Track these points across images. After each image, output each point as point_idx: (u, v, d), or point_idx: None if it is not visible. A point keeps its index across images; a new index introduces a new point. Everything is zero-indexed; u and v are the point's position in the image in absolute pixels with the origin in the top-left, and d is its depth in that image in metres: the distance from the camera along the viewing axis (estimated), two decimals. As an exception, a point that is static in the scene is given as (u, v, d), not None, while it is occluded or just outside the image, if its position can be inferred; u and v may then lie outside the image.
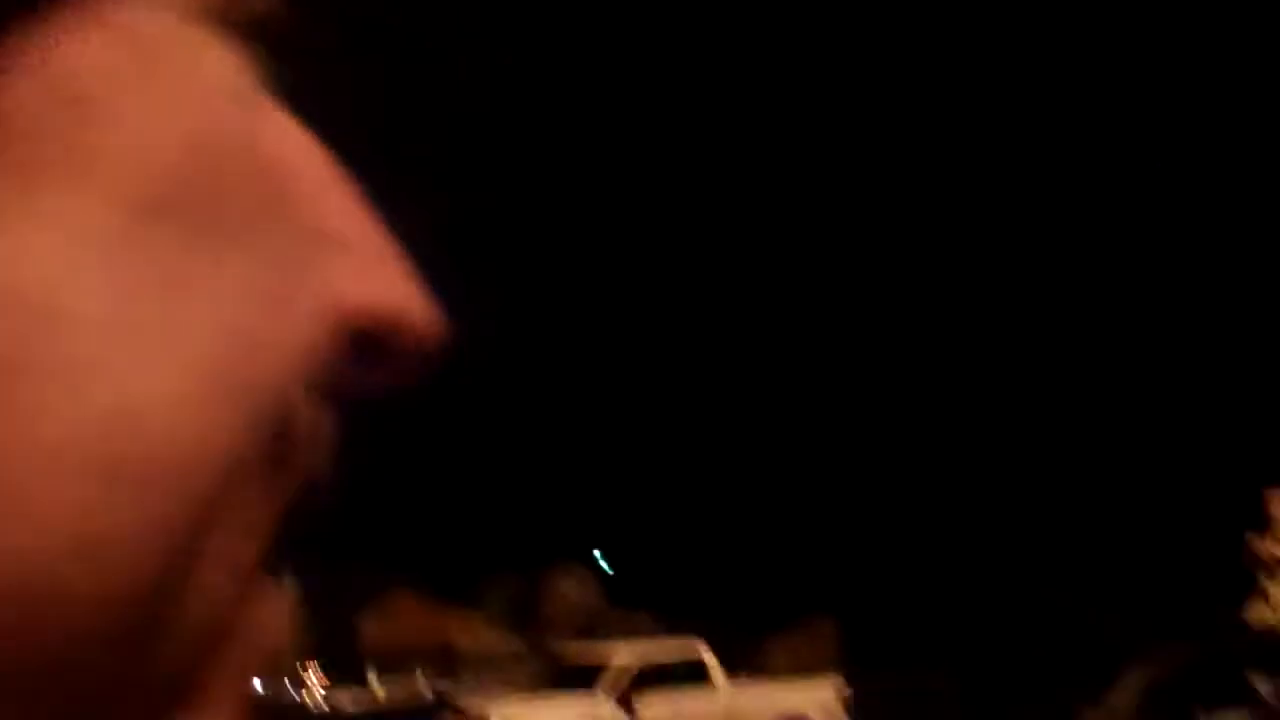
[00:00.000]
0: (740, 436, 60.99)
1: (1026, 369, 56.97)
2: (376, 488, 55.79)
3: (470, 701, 22.44)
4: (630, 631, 36.85)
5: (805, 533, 58.11)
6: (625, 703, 18.96)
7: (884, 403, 59.41)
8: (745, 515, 59.87)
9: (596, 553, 55.06)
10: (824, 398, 60.32)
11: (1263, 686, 9.42)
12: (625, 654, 19.94)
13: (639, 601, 45.16)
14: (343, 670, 31.03)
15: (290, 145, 0.35)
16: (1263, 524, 11.16)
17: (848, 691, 20.96)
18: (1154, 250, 50.97)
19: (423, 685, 30.69)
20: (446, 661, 36.40)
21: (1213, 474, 45.88)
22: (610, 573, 51.91)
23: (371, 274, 0.35)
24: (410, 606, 45.16)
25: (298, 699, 25.89)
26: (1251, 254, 47.89)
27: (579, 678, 19.78)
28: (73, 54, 0.30)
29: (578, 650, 24.61)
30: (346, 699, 29.35)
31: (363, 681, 30.39)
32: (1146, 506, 51.07)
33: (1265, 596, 10.82)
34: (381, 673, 30.75)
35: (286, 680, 16.82)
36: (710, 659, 20.11)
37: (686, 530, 60.04)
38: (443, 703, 27.27)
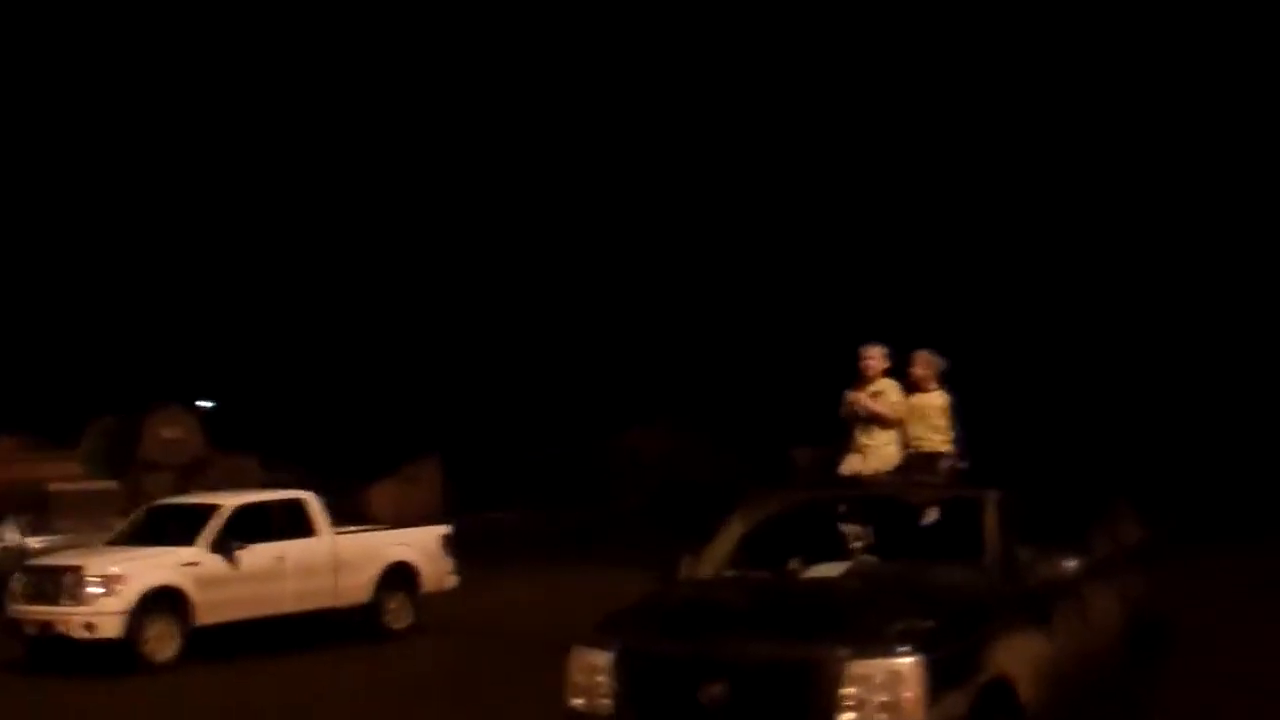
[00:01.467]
0: (343, 288, 60.60)
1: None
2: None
3: (64, 551, 21.73)
4: (233, 476, 36.29)
5: (408, 382, 58.31)
6: (226, 552, 18.62)
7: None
8: (348, 362, 59.67)
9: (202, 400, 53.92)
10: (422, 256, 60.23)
11: (856, 537, 9.81)
12: (227, 501, 19.57)
13: (242, 445, 44.41)
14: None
15: None
16: (858, 377, 11.56)
17: (449, 534, 21.10)
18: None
19: (14, 531, 29.60)
20: (40, 506, 35.00)
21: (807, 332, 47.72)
22: (212, 414, 50.91)
23: None
24: (2, 452, 43.30)
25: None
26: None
27: (178, 525, 19.33)
28: None
29: (178, 496, 24.05)
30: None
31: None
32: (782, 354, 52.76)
33: (859, 448, 11.27)
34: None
35: None
36: (314, 506, 19.91)
37: (290, 376, 59.46)
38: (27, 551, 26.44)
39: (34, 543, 28.53)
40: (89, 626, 17.53)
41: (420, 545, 20.79)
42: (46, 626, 17.85)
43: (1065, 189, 52.51)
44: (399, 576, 20.19)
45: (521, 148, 59.47)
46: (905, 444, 11.37)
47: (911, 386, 11.85)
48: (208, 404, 54.37)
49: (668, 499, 39.94)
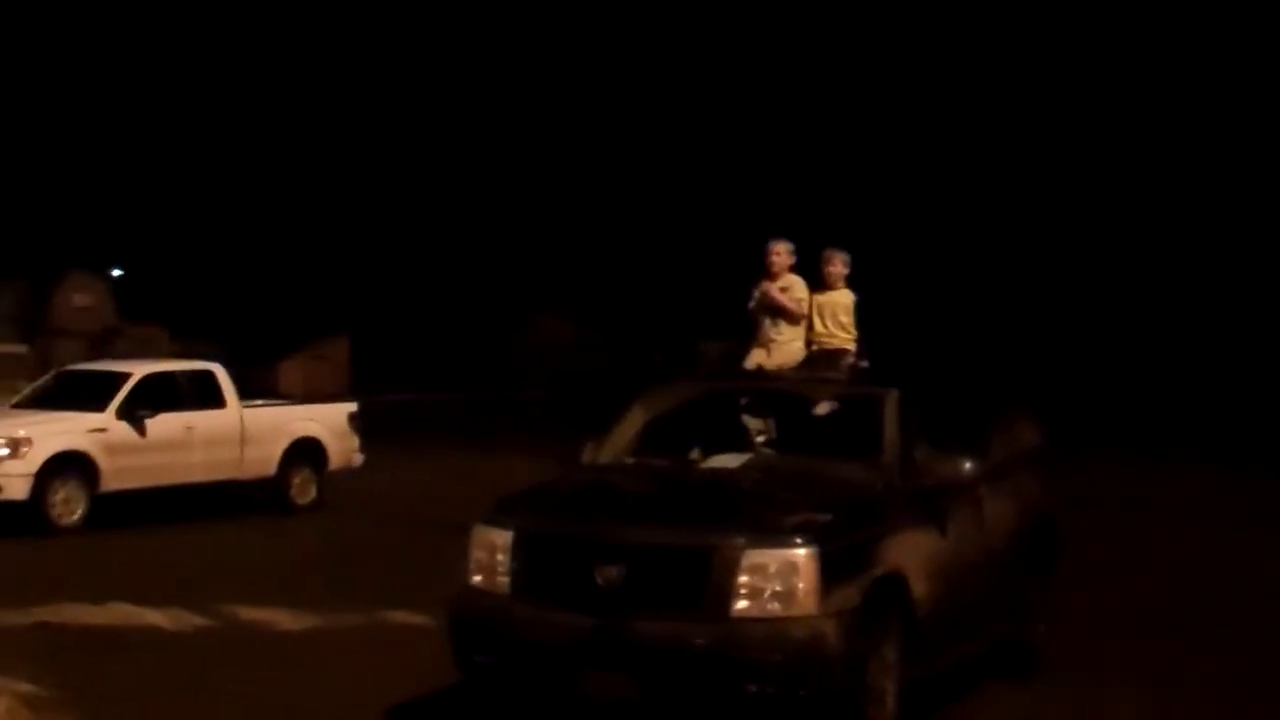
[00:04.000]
0: (259, 162, 59.98)
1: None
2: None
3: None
4: (142, 346, 36.08)
5: (320, 260, 58.00)
6: (135, 419, 18.62)
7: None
8: (261, 237, 59.21)
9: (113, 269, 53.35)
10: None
11: (757, 430, 9.97)
12: (136, 369, 19.53)
13: (151, 316, 44.07)
14: None
15: None
16: (765, 272, 11.66)
17: (356, 411, 21.19)
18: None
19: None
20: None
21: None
22: (122, 283, 50.44)
23: None
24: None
25: None
26: None
27: (88, 391, 19.28)
28: None
29: (88, 362, 23.93)
30: None
31: None
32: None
33: (765, 342, 11.39)
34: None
35: None
36: (224, 378, 19.91)
37: (202, 248, 58.93)
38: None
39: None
40: (-6, 488, 17.54)
41: (327, 422, 20.87)
42: (-48, 487, 17.83)
43: (970, 88, 52.60)
44: (305, 452, 20.28)
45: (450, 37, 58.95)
46: (809, 341, 11.50)
47: (819, 283, 11.97)
48: (118, 272, 53.85)
49: (574, 387, 40.13)
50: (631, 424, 10.08)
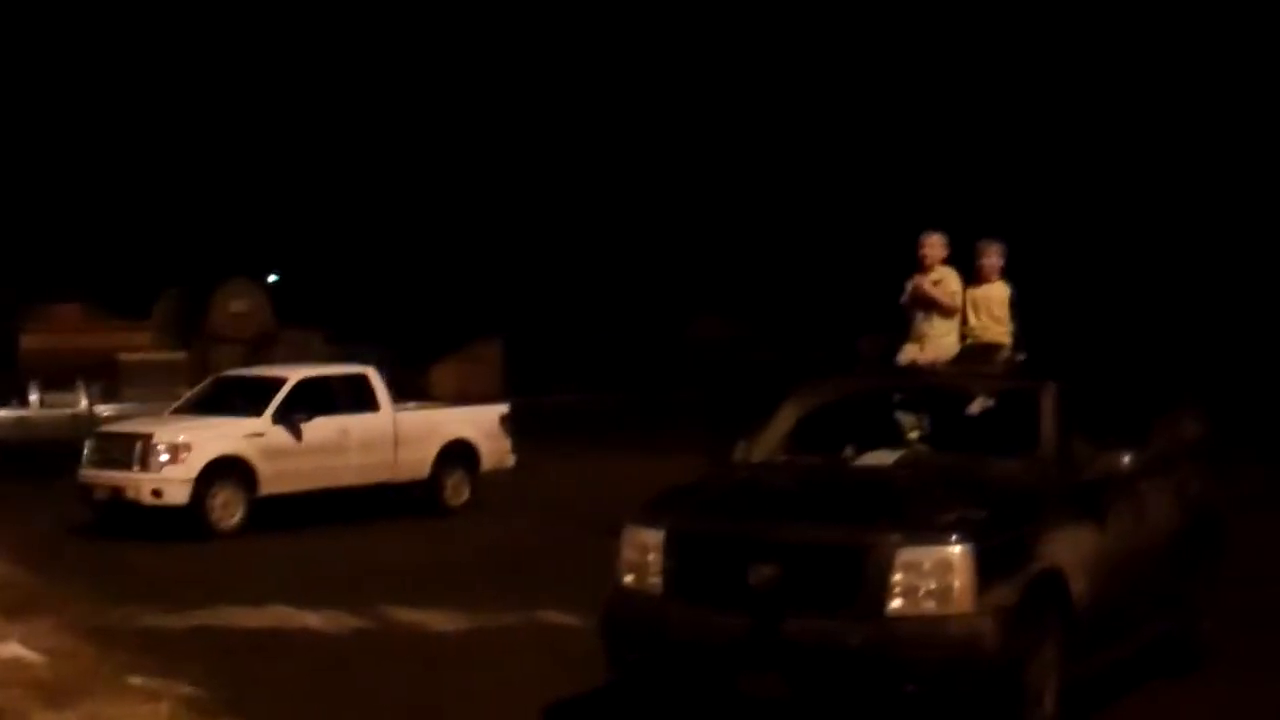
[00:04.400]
0: (414, 166, 60.58)
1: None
2: (47, 206, 53.60)
3: (132, 420, 22.06)
4: (298, 350, 36.64)
5: (473, 263, 58.43)
6: (291, 424, 18.87)
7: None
8: (416, 241, 59.81)
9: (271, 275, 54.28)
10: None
11: (911, 426, 9.82)
12: (292, 373, 19.80)
13: (307, 320, 44.76)
14: (2, 383, 30.21)
15: None
16: (918, 265, 11.52)
17: (508, 413, 21.29)
18: None
19: (85, 397, 30.07)
20: (110, 375, 35.54)
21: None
22: (278, 289, 51.27)
23: None
24: (74, 320, 43.90)
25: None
26: None
27: (244, 396, 19.60)
28: None
29: (244, 368, 24.36)
30: (4, 413, 28.61)
31: (23, 396, 29.60)
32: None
33: (918, 336, 11.25)
34: (44, 386, 29.97)
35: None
36: (377, 381, 20.10)
37: (357, 254, 59.69)
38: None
39: (103, 410, 29.02)
40: (156, 492, 17.86)
41: (480, 423, 20.98)
42: (116, 491, 18.21)
43: (1137, 78, 51.69)
44: (458, 453, 20.41)
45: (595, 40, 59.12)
46: (964, 335, 11.33)
47: (973, 277, 11.78)
48: (275, 278, 54.77)
49: (728, 386, 40.00)
50: (784, 422, 9.96)
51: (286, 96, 60.14)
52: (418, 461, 20.03)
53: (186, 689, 9.45)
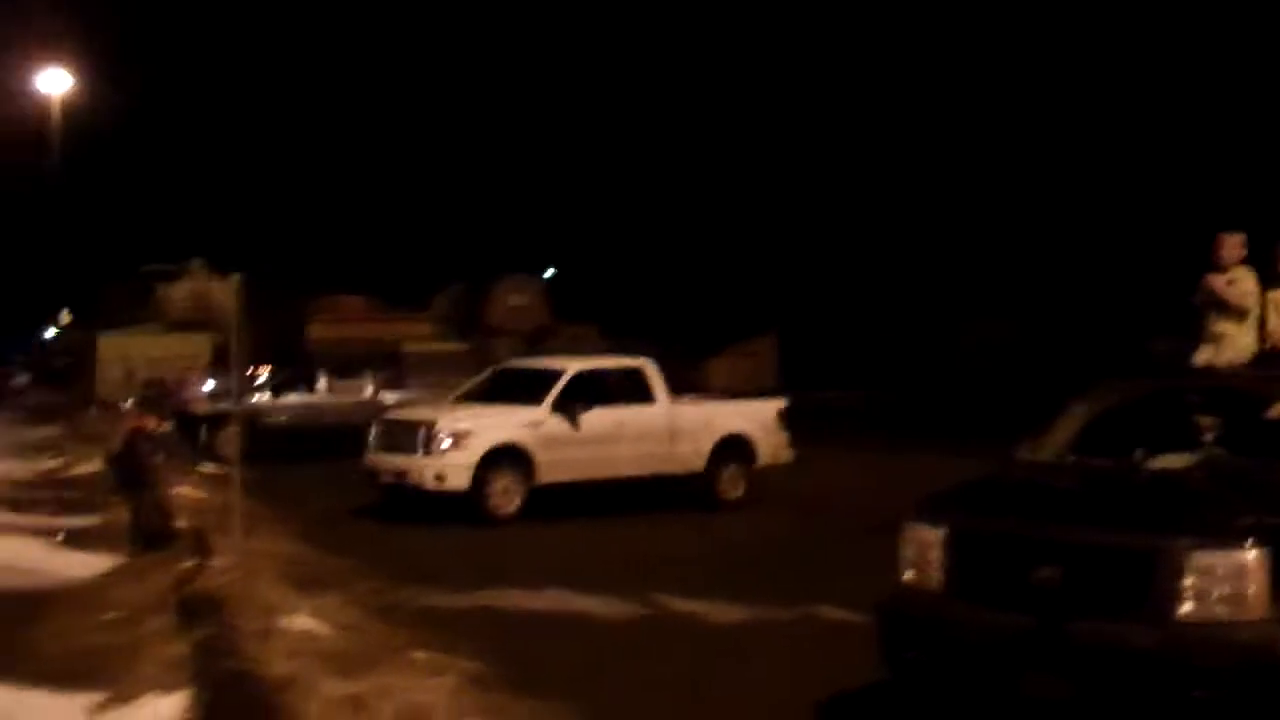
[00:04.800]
0: (695, 165, 60.93)
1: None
2: (335, 203, 55.39)
3: (416, 407, 22.67)
4: (574, 343, 37.17)
5: (747, 256, 58.52)
6: (569, 414, 19.14)
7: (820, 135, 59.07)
8: (692, 237, 60.16)
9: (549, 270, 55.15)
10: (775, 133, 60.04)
11: (1206, 429, 9.53)
12: (571, 365, 20.08)
13: (582, 314, 45.39)
14: (293, 373, 31.26)
15: None
16: (1214, 265, 11.20)
17: (785, 408, 21.25)
18: None
19: (370, 387, 30.94)
20: (395, 365, 36.55)
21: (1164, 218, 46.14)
22: (555, 284, 52.07)
23: None
24: (358, 310, 45.22)
25: (248, 401, 26.10)
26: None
27: (523, 386, 19.95)
28: None
29: (523, 359, 24.80)
30: (296, 399, 29.64)
31: (312, 383, 30.59)
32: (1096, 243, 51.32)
33: (1212, 338, 10.94)
34: (331, 375, 30.96)
35: (236, 383, 16.85)
36: (654, 374, 20.26)
37: (633, 249, 60.31)
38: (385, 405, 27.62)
39: (388, 397, 29.86)
40: (439, 477, 18.31)
41: (756, 418, 20.99)
42: (400, 475, 18.73)
43: None
44: (734, 447, 20.46)
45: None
46: (1263, 338, 10.98)
47: (1273, 279, 11.42)
48: (551, 273, 55.69)
49: (1012, 387, 39.37)
50: (1071, 422, 9.79)
51: (576, 99, 61.11)
52: (693, 454, 20.14)
53: (470, 664, 9.66)
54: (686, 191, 61.08)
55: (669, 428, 20.01)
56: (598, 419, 19.39)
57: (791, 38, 60.81)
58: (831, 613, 12.29)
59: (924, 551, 8.45)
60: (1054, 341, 47.02)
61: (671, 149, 60.80)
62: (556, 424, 19.11)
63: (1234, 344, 10.73)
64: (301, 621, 10.79)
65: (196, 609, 11.16)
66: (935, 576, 8.37)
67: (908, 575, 8.55)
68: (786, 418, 21.15)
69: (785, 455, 21.04)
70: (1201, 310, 11.08)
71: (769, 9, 61.29)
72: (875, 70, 58.87)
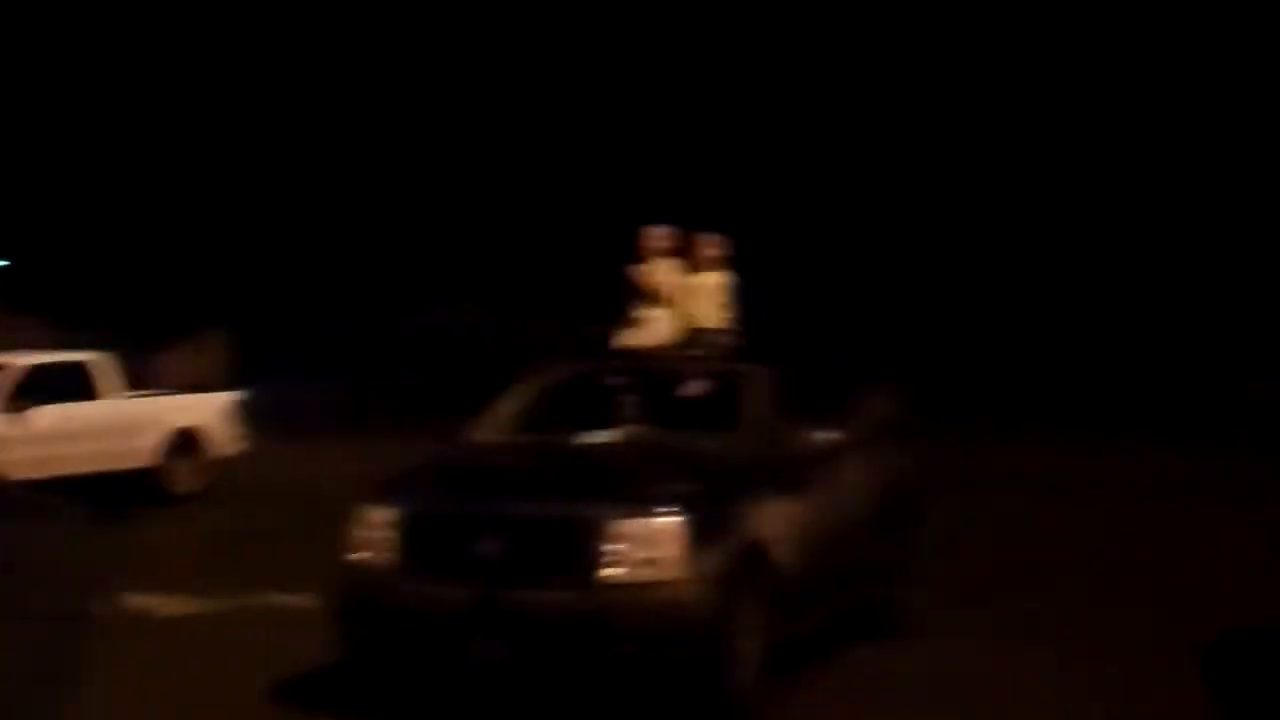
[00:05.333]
0: (144, 155, 59.32)
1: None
2: None
3: None
4: (21, 337, 35.76)
5: (198, 250, 57.51)
6: (16, 411, 18.55)
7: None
8: (141, 230, 58.60)
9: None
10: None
11: (629, 406, 10.34)
12: (17, 361, 19.40)
13: (28, 305, 43.63)
14: None
15: None
16: (637, 257, 12.04)
17: (240, 401, 21.33)
18: None
19: None
20: None
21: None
22: (6, 275, 49.91)
23: None
24: None
25: None
26: None
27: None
28: None
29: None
30: None
31: None
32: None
33: (635, 323, 11.75)
34: None
35: None
36: (104, 369, 19.87)
37: (80, 238, 58.33)
38: None
39: None
40: None
41: (209, 411, 20.95)
42: None
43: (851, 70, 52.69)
44: (187, 441, 20.34)
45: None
46: (684, 321, 11.88)
47: (697, 267, 12.35)
48: (2, 263, 53.24)
49: (455, 373, 40.43)
50: (508, 404, 10.44)
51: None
52: (146, 449, 19.85)
53: None
54: (135, 182, 59.44)
55: (121, 423, 19.68)
56: (47, 416, 18.82)
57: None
58: (289, 600, 12.44)
59: (375, 532, 8.83)
60: (512, 326, 48.47)
61: (121, 140, 59.04)
62: (4, 423, 18.46)
63: (654, 328, 11.58)
64: None
65: None
66: (387, 556, 8.77)
67: (359, 556, 8.91)
68: (241, 411, 21.17)
69: (240, 447, 21.04)
70: (627, 298, 11.90)
71: None
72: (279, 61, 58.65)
